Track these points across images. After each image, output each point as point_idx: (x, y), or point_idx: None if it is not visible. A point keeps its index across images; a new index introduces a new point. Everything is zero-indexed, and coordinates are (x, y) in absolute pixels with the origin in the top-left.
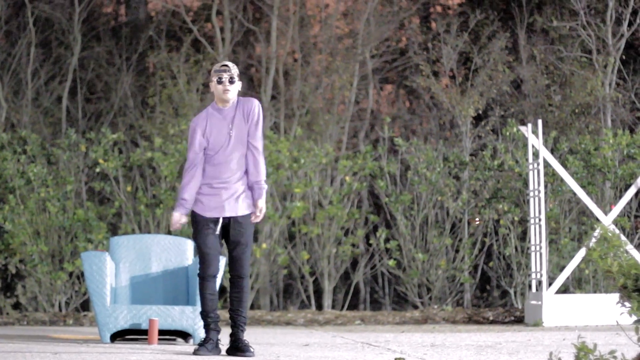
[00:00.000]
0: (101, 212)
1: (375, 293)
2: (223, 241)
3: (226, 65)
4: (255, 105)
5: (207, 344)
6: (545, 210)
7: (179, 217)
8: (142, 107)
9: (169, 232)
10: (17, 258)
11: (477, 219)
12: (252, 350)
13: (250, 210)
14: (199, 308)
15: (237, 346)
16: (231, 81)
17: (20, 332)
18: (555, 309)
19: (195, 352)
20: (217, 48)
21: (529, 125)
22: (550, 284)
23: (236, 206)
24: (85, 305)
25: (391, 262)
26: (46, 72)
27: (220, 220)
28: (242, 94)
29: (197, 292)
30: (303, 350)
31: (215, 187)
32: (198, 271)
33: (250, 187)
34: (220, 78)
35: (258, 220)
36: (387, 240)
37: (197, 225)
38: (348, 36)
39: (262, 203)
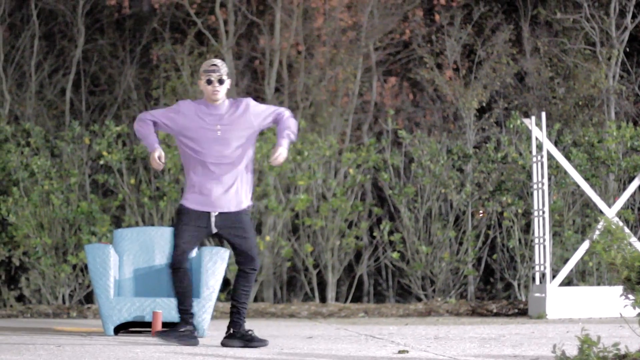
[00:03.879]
0: (105, 205)
1: (379, 285)
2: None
3: (215, 65)
4: (250, 101)
5: (185, 331)
6: (549, 202)
7: (159, 153)
8: (146, 100)
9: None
10: (21, 250)
11: (480, 212)
12: (262, 339)
13: (246, 205)
14: (202, 300)
15: (250, 337)
16: (220, 81)
17: (24, 324)
18: (558, 301)
19: (178, 343)
20: (220, 40)
21: (533, 117)
22: (554, 277)
23: (230, 202)
24: (89, 298)
25: (395, 255)
26: (50, 64)
27: (213, 217)
28: (247, 86)
29: (201, 284)
30: (307, 342)
31: (208, 184)
32: (169, 262)
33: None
34: (209, 79)
35: (275, 162)
36: (390, 233)
37: (182, 217)
38: (352, 28)
39: (282, 149)
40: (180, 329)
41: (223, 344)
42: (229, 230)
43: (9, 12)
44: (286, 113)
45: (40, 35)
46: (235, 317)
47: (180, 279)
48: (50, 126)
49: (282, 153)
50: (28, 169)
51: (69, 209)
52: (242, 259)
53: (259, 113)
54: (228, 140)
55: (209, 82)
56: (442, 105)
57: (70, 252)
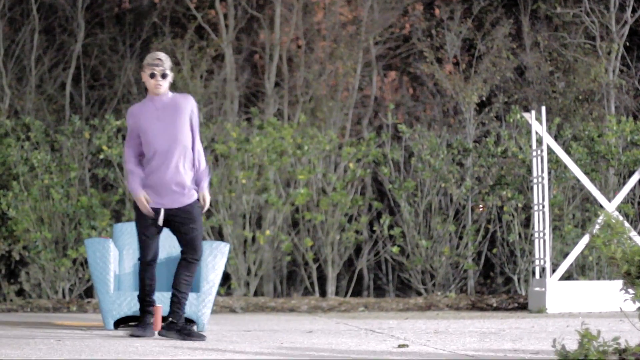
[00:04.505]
0: (105, 199)
1: (379, 280)
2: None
3: (159, 59)
4: (194, 105)
5: (142, 324)
6: (549, 197)
7: (141, 195)
8: (146, 94)
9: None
10: (21, 245)
11: (480, 206)
12: (204, 335)
13: (191, 200)
14: (202, 295)
15: (188, 332)
16: (163, 76)
17: (24, 318)
18: (558, 295)
19: (132, 334)
20: (220, 35)
21: (533, 112)
22: (553, 271)
23: (178, 197)
24: (89, 292)
25: (395, 249)
26: (50, 58)
27: (162, 211)
28: (247, 80)
29: (201, 278)
30: (307, 336)
31: (157, 178)
32: (139, 256)
33: (195, 178)
34: (152, 72)
35: (205, 209)
36: (390, 227)
37: (139, 212)
38: (352, 23)
39: (206, 193)
40: (147, 322)
41: (160, 334)
42: (176, 222)
43: (9, 6)
44: (203, 161)
45: (40, 30)
46: (176, 307)
47: (152, 273)
48: (50, 120)
49: (207, 198)
50: (28, 163)
51: (69, 203)
52: (186, 247)
53: (193, 123)
54: (172, 133)
55: (152, 75)
56: (442, 100)
57: (70, 246)
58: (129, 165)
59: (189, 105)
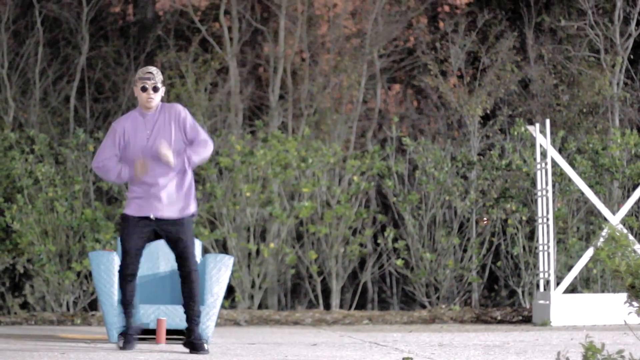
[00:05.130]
0: (109, 212)
1: (383, 293)
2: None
3: (150, 73)
4: (181, 110)
5: (125, 337)
6: (553, 209)
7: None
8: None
9: None
10: (25, 258)
11: (485, 219)
12: (206, 348)
13: (184, 214)
14: (206, 308)
15: (192, 342)
16: (155, 89)
17: (28, 331)
18: (563, 308)
19: (124, 346)
20: (225, 48)
21: (537, 124)
22: (558, 284)
23: (168, 208)
24: (93, 305)
25: (399, 262)
26: (54, 71)
27: (151, 221)
28: (251, 93)
29: (205, 291)
30: (311, 349)
31: (145, 190)
32: (119, 268)
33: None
34: (144, 86)
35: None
36: (395, 240)
37: (126, 224)
38: (356, 36)
39: (164, 149)
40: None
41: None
42: (165, 234)
43: (13, 19)
44: (208, 143)
45: (44, 43)
46: (188, 322)
47: (132, 287)
48: (54, 133)
49: (163, 145)
50: (32, 176)
51: (73, 216)
52: (178, 261)
53: (186, 125)
54: (158, 146)
55: (144, 89)
56: (446, 113)
57: (75, 259)
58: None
59: (176, 115)
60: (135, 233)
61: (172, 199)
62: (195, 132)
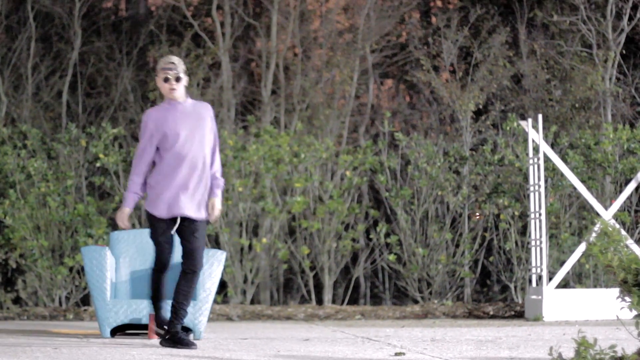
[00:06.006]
0: (101, 207)
1: (376, 288)
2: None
3: (172, 63)
4: (212, 114)
5: (168, 336)
6: (546, 205)
7: (129, 212)
8: (143, 102)
9: None
10: (18, 253)
11: (477, 214)
12: (195, 343)
13: (205, 215)
14: (199, 303)
15: (179, 339)
16: (177, 79)
17: (20, 326)
18: (555, 303)
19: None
20: (217, 43)
21: (529, 119)
22: (550, 279)
23: (193, 208)
24: (86, 300)
25: (391, 257)
26: (46, 66)
27: (178, 220)
28: (243, 89)
29: (198, 286)
30: (303, 345)
31: (173, 192)
32: (153, 263)
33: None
34: (166, 77)
35: (212, 219)
36: (387, 235)
37: (156, 224)
38: (348, 31)
39: (217, 202)
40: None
41: (161, 344)
42: (182, 229)
43: (5, 14)
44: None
45: (36, 38)
46: (172, 316)
47: (163, 281)
48: (46, 128)
49: (217, 207)
50: (25, 171)
51: (66, 211)
52: (186, 258)
53: (214, 131)
54: (193, 140)
55: (166, 79)
56: (439, 108)
57: (67, 254)
58: (138, 177)
59: (209, 115)
60: (164, 230)
61: (197, 200)
62: (216, 140)
